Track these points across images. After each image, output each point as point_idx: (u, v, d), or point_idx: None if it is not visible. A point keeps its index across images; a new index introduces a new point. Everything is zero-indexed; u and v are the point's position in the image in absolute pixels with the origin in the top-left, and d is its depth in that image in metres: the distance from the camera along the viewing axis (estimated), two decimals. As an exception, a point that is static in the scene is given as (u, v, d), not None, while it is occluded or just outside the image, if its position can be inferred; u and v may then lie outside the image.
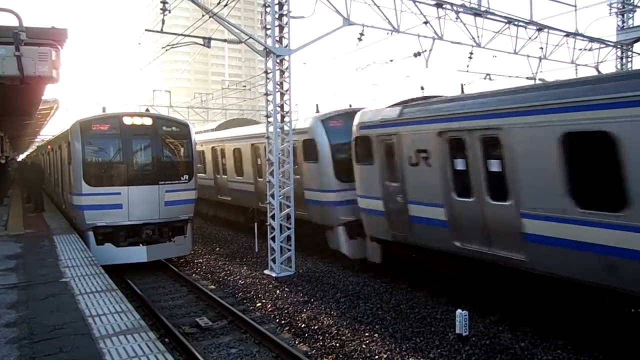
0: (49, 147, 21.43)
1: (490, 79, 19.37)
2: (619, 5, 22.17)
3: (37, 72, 6.83)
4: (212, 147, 20.48)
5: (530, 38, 16.64)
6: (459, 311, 7.95)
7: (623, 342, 7.36)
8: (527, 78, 19.02)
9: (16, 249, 10.86)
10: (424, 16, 14.24)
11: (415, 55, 15.24)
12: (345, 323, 8.89)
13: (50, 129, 32.95)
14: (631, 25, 21.89)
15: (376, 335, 8.33)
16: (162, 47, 14.58)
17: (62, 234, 12.77)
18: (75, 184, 12.59)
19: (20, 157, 56.85)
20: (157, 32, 13.06)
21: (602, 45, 19.40)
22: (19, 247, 11.13)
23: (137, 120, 13.24)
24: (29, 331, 5.94)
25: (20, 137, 33.94)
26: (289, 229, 12.40)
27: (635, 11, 22.17)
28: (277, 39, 12.00)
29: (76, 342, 5.56)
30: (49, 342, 5.57)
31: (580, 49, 18.49)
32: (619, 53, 21.47)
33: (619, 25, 22.15)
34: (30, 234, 12.95)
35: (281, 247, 12.29)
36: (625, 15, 22.05)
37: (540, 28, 16.66)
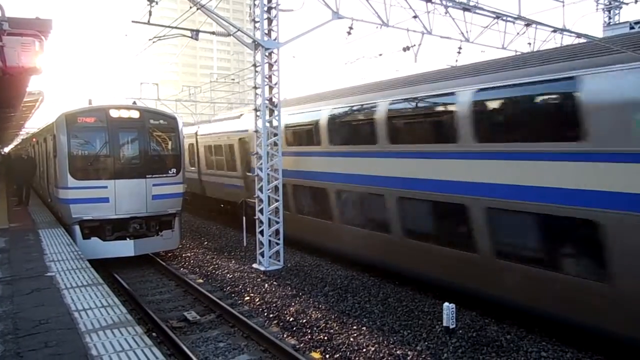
0: (33, 140, 21.10)
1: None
2: (606, 1, 22.37)
3: (20, 62, 6.70)
4: None
5: (518, 33, 16.71)
6: (446, 304, 8.03)
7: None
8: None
9: (0, 243, 10.70)
10: (413, 10, 14.23)
11: (405, 49, 15.23)
12: (333, 316, 8.92)
13: (36, 122, 32.50)
14: (617, 22, 22.10)
15: (364, 328, 8.38)
16: (150, 39, 14.39)
17: (48, 228, 12.61)
18: (61, 178, 12.45)
19: (5, 150, 55.99)
20: (144, 23, 12.87)
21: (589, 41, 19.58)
22: (3, 241, 10.96)
23: (124, 113, 13.11)
24: (13, 326, 5.87)
25: (5, 130, 33.37)
26: (277, 222, 12.39)
27: (621, 7, 22.38)
28: (266, 32, 11.94)
29: (61, 337, 5.50)
30: (34, 337, 5.51)
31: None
32: (605, 49, 21.66)
33: (605, 22, 22.35)
34: (15, 227, 12.76)
35: (269, 240, 12.28)
36: (611, 11, 22.25)
37: (529, 23, 16.73)
